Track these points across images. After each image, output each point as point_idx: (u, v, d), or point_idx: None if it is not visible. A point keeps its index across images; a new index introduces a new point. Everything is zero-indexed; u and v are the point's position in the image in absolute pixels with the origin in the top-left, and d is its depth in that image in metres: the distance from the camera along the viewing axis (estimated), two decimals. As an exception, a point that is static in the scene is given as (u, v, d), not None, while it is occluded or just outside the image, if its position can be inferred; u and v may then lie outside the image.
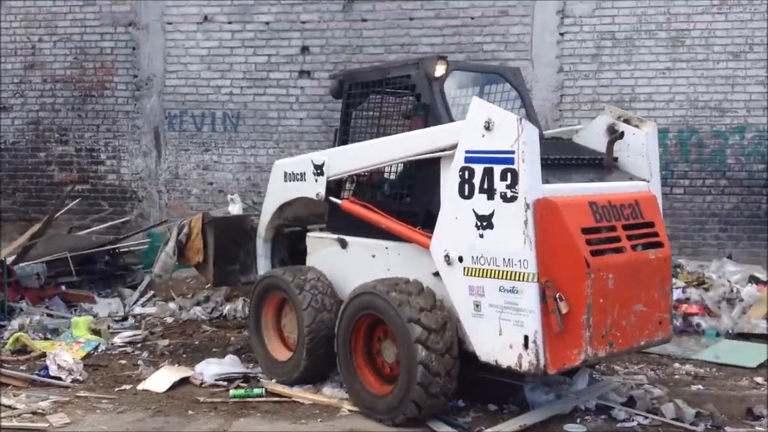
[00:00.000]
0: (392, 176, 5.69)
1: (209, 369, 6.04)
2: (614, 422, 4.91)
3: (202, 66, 10.49)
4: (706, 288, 8.03)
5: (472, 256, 4.62)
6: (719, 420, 4.91)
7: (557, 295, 4.28)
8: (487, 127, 4.50)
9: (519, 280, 4.39)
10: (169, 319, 8.37)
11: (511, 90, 5.93)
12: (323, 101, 10.21)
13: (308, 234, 6.23)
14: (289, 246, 6.77)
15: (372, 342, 5.18)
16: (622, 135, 5.19)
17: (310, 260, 6.09)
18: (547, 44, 9.84)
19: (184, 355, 6.87)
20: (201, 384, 5.88)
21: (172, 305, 8.82)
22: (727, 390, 5.79)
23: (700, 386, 5.86)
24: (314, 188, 5.94)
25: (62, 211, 9.85)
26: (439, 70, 5.29)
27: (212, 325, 8.20)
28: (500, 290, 4.48)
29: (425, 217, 5.11)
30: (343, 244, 5.74)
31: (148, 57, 10.58)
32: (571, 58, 9.81)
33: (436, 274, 4.92)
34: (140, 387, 5.83)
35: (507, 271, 4.45)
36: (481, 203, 4.58)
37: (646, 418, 4.90)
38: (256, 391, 5.64)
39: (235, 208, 7.36)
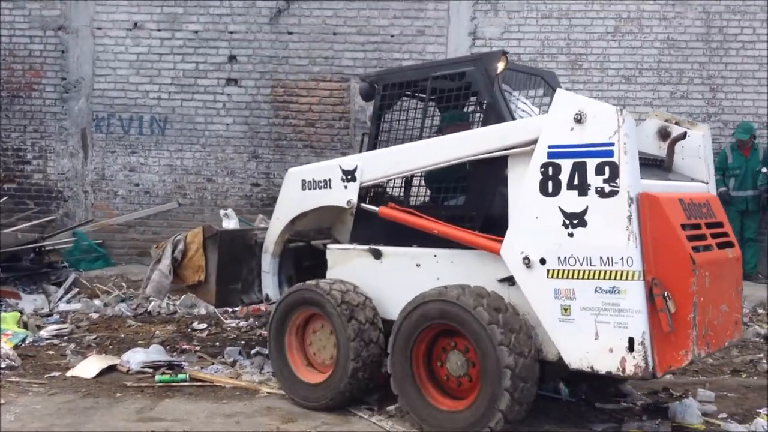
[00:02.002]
0: (433, 180, 5.42)
1: (135, 357, 6.44)
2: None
3: (130, 71, 10.83)
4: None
5: (559, 257, 4.31)
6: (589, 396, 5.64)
7: (665, 293, 4.08)
8: (579, 120, 4.27)
9: (621, 279, 4.11)
10: (94, 315, 8.66)
11: (544, 96, 5.74)
12: (249, 108, 10.73)
13: (329, 247, 5.76)
14: (294, 262, 6.43)
15: (432, 356, 4.83)
16: (684, 135, 5.02)
17: (333, 275, 5.64)
18: (460, 62, 10.59)
19: (111, 347, 7.22)
20: (128, 371, 6.26)
21: (96, 302, 9.12)
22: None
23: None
24: (343, 195, 5.57)
25: (-12, 209, 10.02)
26: (500, 66, 5.07)
27: (137, 320, 8.54)
28: (596, 291, 4.17)
29: (484, 221, 4.87)
30: (377, 255, 5.37)
31: (77, 60, 10.84)
32: (481, 76, 10.59)
33: (504, 280, 4.66)
34: (69, 374, 6.18)
35: (605, 271, 4.15)
36: (570, 200, 4.29)
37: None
38: (181, 376, 6.07)
39: (231, 223, 6.87)
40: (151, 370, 6.25)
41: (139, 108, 10.86)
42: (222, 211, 7.12)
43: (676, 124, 5.18)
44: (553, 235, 4.35)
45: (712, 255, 4.45)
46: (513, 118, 4.96)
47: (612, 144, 4.17)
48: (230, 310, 8.64)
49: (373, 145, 5.74)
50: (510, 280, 4.62)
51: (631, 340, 4.06)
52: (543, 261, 4.38)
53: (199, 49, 10.77)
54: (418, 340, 4.76)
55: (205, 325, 8.18)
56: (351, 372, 5.06)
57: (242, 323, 8.27)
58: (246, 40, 10.74)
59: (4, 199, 10.53)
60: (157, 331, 7.94)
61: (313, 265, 6.24)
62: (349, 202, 5.55)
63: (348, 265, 5.56)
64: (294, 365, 5.52)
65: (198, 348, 7.12)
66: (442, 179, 5.28)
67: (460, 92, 5.34)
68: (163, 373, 6.17)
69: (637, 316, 4.05)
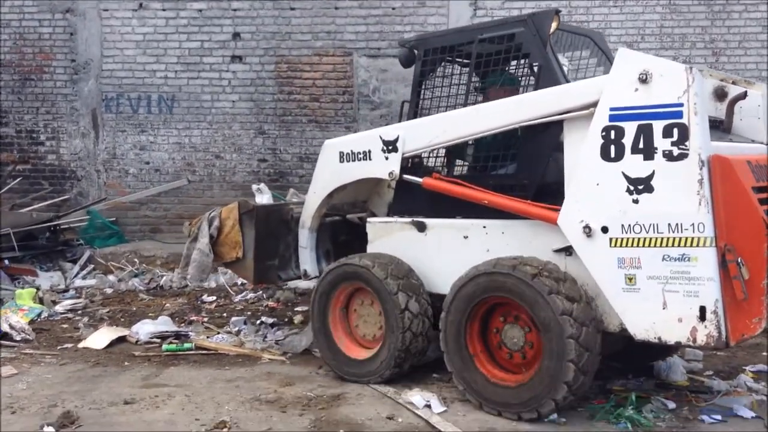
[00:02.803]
0: (480, 148, 5.27)
1: (144, 328, 6.71)
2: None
3: (137, 51, 10.99)
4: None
5: (623, 225, 4.14)
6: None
7: (739, 260, 3.91)
8: (644, 80, 4.07)
9: (692, 246, 3.94)
10: (109, 290, 8.95)
11: (591, 57, 5.56)
12: (255, 85, 10.87)
13: (370, 220, 5.67)
14: (331, 236, 6.38)
15: (487, 331, 4.72)
16: (745, 95, 4.72)
17: (374, 249, 5.54)
18: (461, 33, 10.63)
19: (122, 320, 7.49)
20: (137, 342, 6.52)
21: (111, 277, 9.41)
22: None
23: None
24: (385, 167, 5.40)
25: (4, 190, 10.31)
26: (553, 26, 4.85)
27: (149, 294, 8.81)
28: (664, 259, 4.02)
29: (537, 189, 4.72)
30: (421, 228, 5.25)
31: (86, 42, 11.02)
32: (483, 46, 10.63)
33: (560, 250, 4.53)
34: (81, 345, 6.46)
35: (674, 238, 3.99)
36: (634, 165, 4.11)
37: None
38: (187, 345, 6.33)
39: (264, 198, 6.62)
40: (158, 341, 6.50)
41: (147, 87, 11.03)
42: (254, 186, 6.85)
43: (733, 83, 4.90)
44: (616, 202, 4.17)
45: None
46: (567, 81, 4.75)
47: (681, 104, 3.96)
48: (239, 282, 8.91)
49: (414, 114, 5.52)
50: (567, 251, 4.49)
51: (702, 309, 3.92)
52: (605, 229, 4.22)
53: (203, 28, 10.89)
54: (472, 314, 4.63)
55: (214, 298, 8.42)
56: (402, 344, 4.99)
57: (250, 295, 8.50)
58: (249, 17, 10.84)
59: (18, 179, 10.81)
60: (168, 304, 8.20)
61: (349, 239, 6.22)
62: (391, 173, 5.37)
63: (390, 238, 5.44)
64: (339, 342, 5.41)
65: (206, 319, 7.37)
66: (489, 147, 5.11)
67: (509, 55, 5.07)
68: (170, 343, 6.42)
69: (710, 284, 3.90)
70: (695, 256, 3.94)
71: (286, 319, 7.34)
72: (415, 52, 5.59)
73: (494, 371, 4.62)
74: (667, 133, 4.01)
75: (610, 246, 4.20)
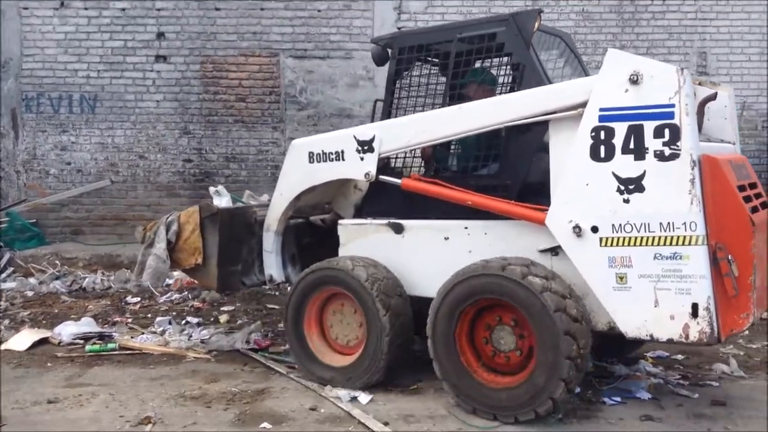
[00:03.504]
0: (461, 148, 5.27)
1: (67, 329, 6.65)
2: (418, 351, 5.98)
3: (58, 50, 10.80)
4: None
5: (613, 224, 4.18)
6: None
7: (729, 257, 4.00)
8: (635, 81, 4.10)
9: (683, 244, 4.01)
10: (29, 293, 8.78)
11: (560, 57, 5.56)
12: (179, 84, 10.83)
13: (341, 222, 5.51)
14: (296, 239, 6.18)
15: (476, 333, 4.64)
16: (715, 96, 4.63)
17: (346, 252, 5.39)
18: (386, 36, 10.87)
19: (44, 322, 7.39)
20: (59, 343, 6.46)
21: (32, 280, 9.23)
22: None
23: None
24: (360, 168, 5.24)
25: None
26: (536, 26, 4.83)
27: (72, 296, 8.69)
28: (656, 258, 4.08)
29: (520, 190, 4.72)
30: (398, 229, 5.14)
31: (5, 41, 10.76)
32: (407, 49, 10.89)
33: (547, 250, 4.55)
34: (2, 347, 6.37)
35: (666, 237, 4.06)
36: (625, 165, 4.15)
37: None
38: (110, 345, 6.32)
39: (223, 201, 6.21)
40: (82, 342, 6.46)
41: (69, 87, 10.86)
42: (212, 189, 6.40)
43: (700, 84, 4.86)
44: (607, 201, 4.20)
45: (762, 215, 4.33)
46: (550, 81, 4.76)
47: (672, 105, 4.02)
48: (164, 283, 8.88)
49: (388, 113, 5.40)
50: (553, 251, 4.50)
51: (695, 306, 3.99)
52: (595, 229, 4.24)
53: (126, 27, 10.79)
54: (461, 318, 4.55)
55: (139, 299, 8.39)
56: (387, 347, 4.86)
57: (176, 296, 8.51)
58: (174, 16, 10.80)
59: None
60: (91, 306, 8.12)
61: (313, 242, 6.12)
62: (367, 174, 5.21)
63: (364, 240, 5.30)
64: (315, 348, 5.25)
65: (130, 320, 7.35)
66: (471, 147, 5.09)
67: (489, 54, 5.05)
68: (94, 344, 6.39)
69: (702, 281, 3.97)
70: (687, 254, 4.01)
71: (212, 319, 7.40)
72: (389, 50, 5.45)
73: (486, 375, 4.55)
74: (658, 133, 4.07)
75: (601, 245, 4.23)
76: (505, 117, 4.67)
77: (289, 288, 5.51)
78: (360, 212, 5.66)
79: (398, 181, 5.14)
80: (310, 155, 5.52)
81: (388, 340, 4.86)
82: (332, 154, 5.41)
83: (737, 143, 5.00)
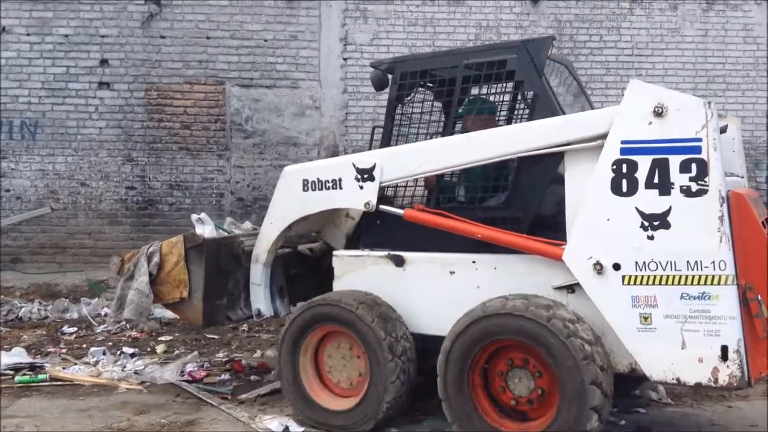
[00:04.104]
0: (468, 178, 5.08)
1: (-4, 360, 6.48)
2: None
3: (-1, 75, 10.66)
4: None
5: (637, 262, 4.01)
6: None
7: (759, 297, 3.88)
8: (659, 113, 3.97)
9: (712, 284, 3.84)
10: (-38, 323, 8.55)
11: (561, 85, 5.33)
12: (123, 111, 10.76)
13: (336, 253, 5.23)
14: (284, 271, 5.83)
15: (488, 375, 4.38)
16: (725, 129, 4.50)
17: (342, 285, 5.09)
18: (332, 67, 11.00)
19: (-26, 353, 7.19)
20: (-12, 374, 6.31)
21: (-36, 310, 8.98)
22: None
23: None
24: (359, 197, 4.96)
25: None
26: (548, 53, 4.74)
27: (7, 326, 8.48)
28: (683, 297, 3.91)
29: (531, 223, 4.54)
30: (399, 262, 4.87)
31: (-59, 64, 10.58)
32: (353, 80, 11.03)
33: (562, 288, 4.34)
34: (-74, 379, 6.18)
35: (693, 276, 3.89)
36: (649, 200, 3.99)
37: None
38: (41, 376, 6.18)
39: (206, 230, 5.73)
40: (12, 372, 6.31)
41: (9, 113, 10.68)
42: (194, 216, 5.92)
43: None
44: (630, 238, 4.03)
45: None
46: (562, 111, 4.63)
47: (699, 140, 3.89)
48: (102, 313, 8.74)
49: (388, 141, 5.18)
50: (569, 288, 4.30)
51: (724, 349, 3.82)
52: (617, 266, 4.05)
53: (69, 53, 10.70)
54: (474, 361, 4.28)
55: (75, 329, 8.22)
56: (394, 392, 4.58)
57: (113, 327, 8.36)
58: (118, 43, 10.75)
59: None
60: (25, 336, 7.94)
61: (301, 273, 5.87)
62: (367, 204, 4.94)
63: (360, 273, 5.02)
64: (311, 391, 4.92)
65: (64, 350, 7.20)
66: (478, 177, 4.91)
67: (498, 82, 4.95)
68: (24, 375, 6.24)
69: (731, 322, 3.81)
70: (716, 294, 3.84)
71: (149, 349, 7.30)
72: (391, 75, 5.24)
73: (502, 421, 4.29)
74: (684, 168, 3.93)
75: (623, 284, 4.04)
76: (518, 147, 4.49)
77: (285, 323, 5.13)
78: (351, 242, 5.43)
79: (400, 211, 4.87)
80: (305, 183, 5.23)
81: (393, 385, 4.57)
82: (329, 182, 5.12)
83: (745, 177, 4.90)
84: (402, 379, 4.62)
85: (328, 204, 5.21)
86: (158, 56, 10.80)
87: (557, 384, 4.05)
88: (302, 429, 4.83)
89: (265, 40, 10.91)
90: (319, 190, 5.16)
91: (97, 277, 9.96)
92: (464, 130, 5.22)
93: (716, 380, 3.87)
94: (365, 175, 4.97)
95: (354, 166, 5.02)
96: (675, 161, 3.95)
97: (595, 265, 4.10)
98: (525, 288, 4.38)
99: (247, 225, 6.48)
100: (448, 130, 5.07)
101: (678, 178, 3.95)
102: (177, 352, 7.18)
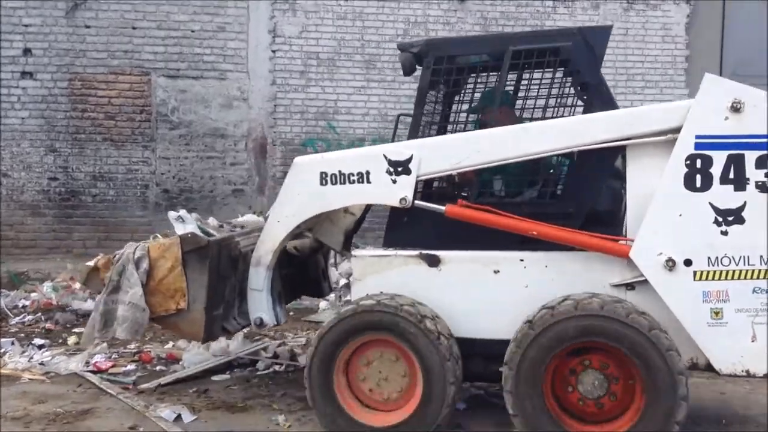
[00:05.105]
0: (515, 172, 4.72)
1: None
2: (256, 371, 6.06)
3: None
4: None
5: (709, 257, 4.05)
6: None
7: None
8: (737, 109, 4.00)
9: None
10: None
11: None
12: (46, 101, 10.61)
13: (356, 253, 4.76)
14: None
15: (556, 381, 4.22)
16: None
17: (363, 288, 4.63)
18: (261, 59, 11.01)
19: None
20: None
21: None
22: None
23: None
24: (392, 192, 4.53)
25: None
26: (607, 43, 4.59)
27: None
28: (755, 291, 4.01)
29: (586, 219, 4.39)
30: (433, 262, 4.53)
31: None
32: (282, 73, 11.07)
33: (620, 285, 4.28)
34: None
35: (766, 270, 4.01)
36: (724, 195, 4.03)
37: (281, 365, 6.12)
38: (-58, 369, 6.10)
39: (188, 229, 5.08)
40: None
41: (-74, 101, 10.46)
42: (172, 214, 5.28)
43: None
44: (702, 233, 4.05)
45: None
46: (616, 104, 4.54)
47: None
48: (20, 305, 8.63)
49: (416, 131, 4.80)
50: (629, 285, 4.27)
51: None
52: (688, 262, 4.06)
53: (-9, 42, 10.52)
54: (549, 367, 4.10)
55: (-12, 321, 8.10)
56: (451, 398, 4.27)
57: (28, 317, 8.26)
58: (41, 33, 10.58)
59: None
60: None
61: (290, 273, 5.46)
62: (403, 200, 4.51)
63: (386, 275, 4.60)
64: (350, 409, 4.43)
65: (-29, 343, 7.10)
66: (525, 170, 4.65)
67: (551, 70, 4.67)
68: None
69: None
70: None
71: (60, 341, 7.24)
72: (425, 58, 4.79)
73: (577, 425, 4.16)
74: (760, 164, 4.00)
75: (695, 279, 4.07)
76: (582, 140, 4.31)
77: (314, 339, 4.54)
78: (349, 240, 5.10)
79: (441, 208, 4.48)
80: (323, 176, 4.69)
81: (454, 389, 4.27)
82: (353, 175, 4.63)
83: None
84: (457, 385, 4.33)
85: (352, 199, 4.76)
86: (83, 46, 10.67)
87: (643, 381, 4.00)
88: (194, 417, 4.88)
89: (192, 31, 10.86)
90: (341, 183, 4.66)
91: (18, 269, 9.81)
92: (482, 123, 5.00)
93: None
94: (399, 168, 4.56)
95: (385, 157, 4.58)
96: (751, 157, 4.02)
97: (667, 261, 4.09)
98: (579, 286, 4.26)
99: (212, 221, 5.88)
100: (502, 121, 4.69)
101: (753, 174, 4.02)
102: (89, 343, 7.14)
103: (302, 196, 4.80)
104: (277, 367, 6.12)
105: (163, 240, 5.02)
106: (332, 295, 9.23)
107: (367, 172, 4.61)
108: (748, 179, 4.02)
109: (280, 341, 6.97)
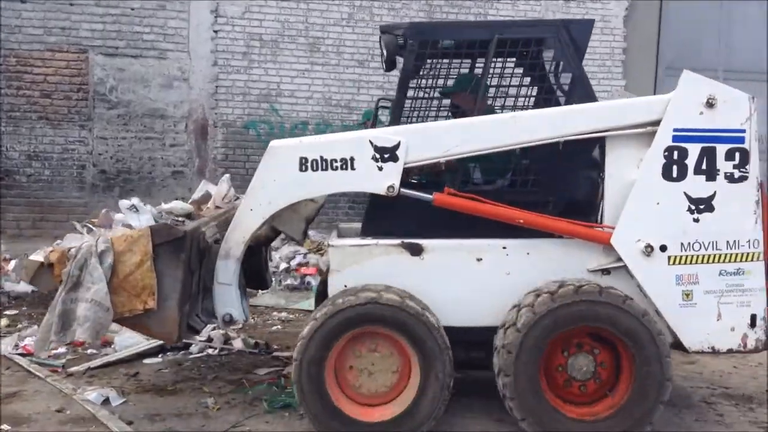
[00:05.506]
0: (499, 160, 4.74)
1: None
2: (189, 354, 6.07)
3: None
4: (321, 254, 9.67)
5: (682, 243, 4.34)
6: (271, 348, 6.31)
7: None
8: (711, 105, 4.30)
9: (746, 260, 4.34)
10: None
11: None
12: (-23, 78, 10.30)
13: (333, 243, 4.62)
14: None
15: (548, 365, 4.37)
16: None
17: (341, 279, 4.50)
18: (202, 39, 10.87)
19: None
20: None
21: None
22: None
23: (279, 327, 7.29)
24: (378, 179, 4.43)
25: None
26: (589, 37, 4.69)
27: None
28: (720, 274, 4.35)
29: (564, 208, 4.54)
30: (416, 251, 4.47)
31: None
32: (224, 53, 10.95)
33: (597, 270, 4.45)
34: None
35: (732, 254, 4.34)
36: (696, 185, 4.34)
37: (215, 349, 6.14)
38: None
39: (143, 220, 4.81)
40: None
41: None
42: (124, 202, 4.91)
43: None
44: (677, 221, 4.34)
45: None
46: (595, 97, 4.70)
47: (743, 131, 4.31)
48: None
49: (399, 117, 4.77)
50: (605, 270, 4.45)
51: (753, 317, 4.34)
52: (664, 248, 4.34)
53: None
54: (545, 351, 4.25)
55: None
56: (447, 392, 4.28)
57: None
58: (-26, 6, 10.27)
59: None
60: None
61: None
62: (390, 188, 4.42)
63: (367, 265, 4.49)
64: (339, 403, 4.30)
65: None
66: (507, 159, 4.70)
67: (533, 60, 4.78)
68: None
69: (760, 293, 4.35)
70: (749, 270, 4.34)
71: (-10, 323, 7.12)
72: (409, 41, 4.66)
73: (564, 405, 4.33)
74: (729, 156, 4.33)
75: (669, 264, 4.36)
76: (568, 130, 4.42)
77: (304, 334, 4.30)
78: (307, 229, 4.97)
79: (428, 196, 4.46)
80: (302, 162, 4.47)
81: (450, 381, 4.28)
82: (336, 161, 4.46)
83: None
84: (451, 374, 4.31)
85: (335, 187, 4.62)
86: (18, 22, 10.36)
87: (634, 364, 4.23)
88: (123, 400, 4.88)
89: (132, 9, 10.65)
90: (322, 170, 4.47)
91: (-51, 251, 9.56)
92: (453, 108, 5.14)
93: (745, 345, 4.39)
94: (386, 154, 4.44)
95: (371, 143, 4.45)
96: (722, 149, 4.33)
97: (646, 247, 4.33)
98: (557, 272, 4.42)
99: (164, 206, 5.37)
100: (477, 108, 4.71)
101: (723, 165, 4.34)
102: (19, 326, 7.03)
103: (279, 182, 4.56)
104: (210, 351, 6.13)
105: (128, 231, 4.57)
106: (273, 281, 9.33)
107: (351, 159, 4.46)
108: (719, 170, 4.34)
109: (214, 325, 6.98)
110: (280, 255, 9.74)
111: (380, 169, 4.44)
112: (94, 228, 4.92)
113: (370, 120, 10.22)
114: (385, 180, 4.43)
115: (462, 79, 5.11)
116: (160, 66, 10.74)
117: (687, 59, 11.91)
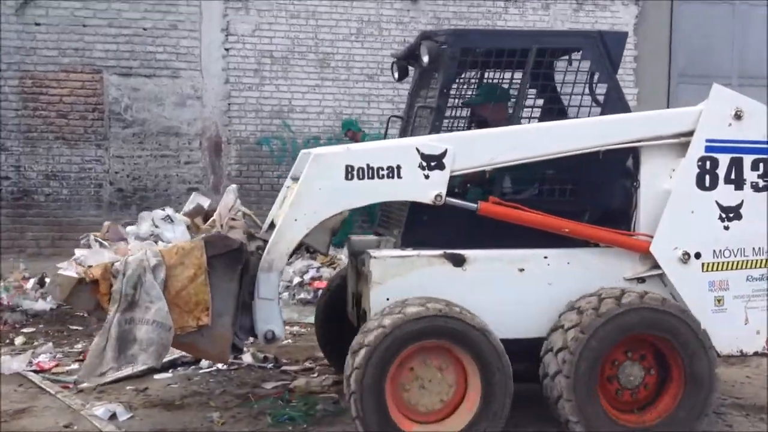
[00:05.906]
0: (538, 170, 4.77)
1: None
2: (199, 369, 6.12)
3: None
4: (334, 267, 9.71)
5: (714, 250, 4.56)
6: (280, 362, 6.35)
7: None
8: (738, 116, 4.53)
9: None
10: None
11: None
12: (-2, 100, 10.53)
13: (374, 254, 4.46)
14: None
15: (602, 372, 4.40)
16: None
17: (384, 292, 4.37)
18: (214, 58, 11.02)
19: None
20: None
21: None
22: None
23: (290, 341, 7.34)
24: (425, 188, 4.38)
25: None
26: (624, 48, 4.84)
27: None
28: (748, 279, 4.60)
29: (599, 217, 4.65)
30: (458, 262, 4.42)
31: None
32: (236, 71, 11.09)
33: (633, 279, 4.57)
34: None
35: (757, 260, 4.60)
36: (726, 194, 4.57)
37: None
38: None
39: (177, 231, 4.78)
40: None
41: None
42: (158, 213, 4.78)
43: None
44: (710, 228, 4.56)
45: None
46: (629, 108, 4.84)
47: (767, 142, 4.61)
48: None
49: (438, 123, 4.75)
50: (641, 279, 4.59)
51: None
52: (698, 255, 4.54)
53: (-62, 39, 10.39)
54: (605, 358, 4.31)
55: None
56: (507, 410, 4.23)
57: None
58: (-10, 30, 10.50)
59: None
60: None
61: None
62: (438, 197, 4.38)
63: (409, 277, 4.40)
64: (397, 419, 4.15)
65: None
66: (544, 169, 4.72)
67: (571, 70, 4.82)
68: None
69: None
70: None
71: (8, 341, 7.24)
72: (451, 49, 4.70)
73: (620, 415, 4.40)
74: (755, 166, 4.59)
75: (703, 271, 4.57)
76: (604, 140, 4.55)
77: (362, 347, 4.12)
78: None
79: (473, 205, 4.45)
80: (349, 170, 4.38)
81: (510, 401, 4.22)
82: (382, 169, 4.38)
83: None
84: (511, 391, 4.27)
85: (381, 196, 4.55)
86: (33, 44, 10.58)
87: (683, 374, 4.37)
88: (130, 415, 4.96)
89: (144, 29, 10.83)
90: (369, 178, 4.39)
91: (-29, 270, 9.74)
92: (479, 118, 5.22)
93: None
94: (432, 162, 4.40)
95: (418, 151, 4.40)
96: (748, 160, 4.59)
97: (683, 254, 4.53)
98: (598, 281, 4.51)
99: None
100: (515, 117, 4.80)
101: (749, 175, 4.59)
102: (36, 343, 7.15)
103: (325, 192, 4.43)
104: (219, 365, 6.20)
105: (179, 243, 4.38)
106: (286, 294, 9.38)
107: (398, 167, 4.40)
108: (746, 180, 4.59)
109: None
110: (293, 269, 9.80)
111: (427, 177, 4.41)
112: (104, 242, 4.87)
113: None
114: (431, 189, 4.40)
115: (488, 90, 5.19)
116: (174, 85, 10.90)
117: (700, 66, 11.91)
